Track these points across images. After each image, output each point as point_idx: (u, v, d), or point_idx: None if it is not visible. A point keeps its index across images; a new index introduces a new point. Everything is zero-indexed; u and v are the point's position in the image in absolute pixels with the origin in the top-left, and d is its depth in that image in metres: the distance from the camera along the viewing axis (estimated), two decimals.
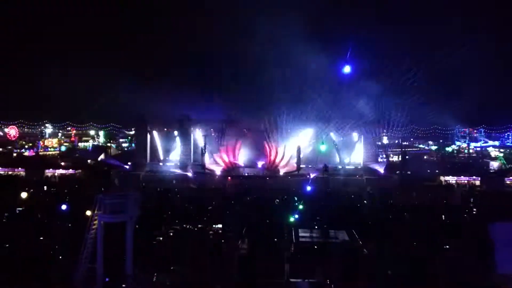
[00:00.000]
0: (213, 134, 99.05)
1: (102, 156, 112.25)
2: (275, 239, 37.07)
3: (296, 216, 42.76)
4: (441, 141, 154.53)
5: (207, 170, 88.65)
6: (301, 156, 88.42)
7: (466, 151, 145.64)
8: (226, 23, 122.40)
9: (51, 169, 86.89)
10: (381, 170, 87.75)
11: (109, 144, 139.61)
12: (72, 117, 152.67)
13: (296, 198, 58.71)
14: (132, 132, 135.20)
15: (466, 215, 47.32)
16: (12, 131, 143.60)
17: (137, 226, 29.86)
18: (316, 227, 41.20)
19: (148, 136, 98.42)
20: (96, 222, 27.17)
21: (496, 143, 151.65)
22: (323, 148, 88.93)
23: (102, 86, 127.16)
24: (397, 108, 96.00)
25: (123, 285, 27.27)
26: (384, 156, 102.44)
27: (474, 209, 51.73)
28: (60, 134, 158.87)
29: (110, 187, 65.53)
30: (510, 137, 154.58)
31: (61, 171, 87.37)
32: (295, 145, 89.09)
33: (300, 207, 50.82)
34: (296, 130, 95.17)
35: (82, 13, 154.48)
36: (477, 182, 79.21)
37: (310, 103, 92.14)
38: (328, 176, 78.44)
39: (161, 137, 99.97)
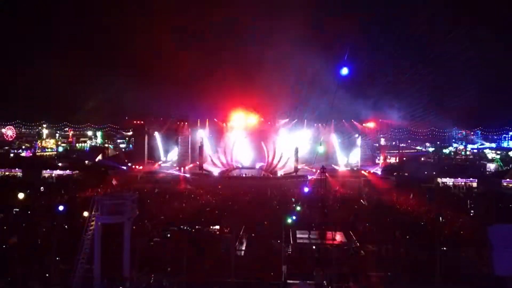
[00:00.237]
0: (211, 135, 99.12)
1: (99, 157, 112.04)
2: (272, 241, 37.09)
3: (294, 217, 42.78)
4: (438, 143, 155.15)
5: (204, 171, 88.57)
6: (299, 157, 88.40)
7: (463, 153, 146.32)
8: (226, 23, 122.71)
9: (48, 170, 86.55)
10: (378, 171, 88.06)
11: (106, 145, 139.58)
12: (70, 118, 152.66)
13: (293, 200, 58.86)
14: (130, 133, 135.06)
15: (463, 217, 47.34)
16: (9, 132, 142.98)
17: (134, 227, 29.90)
18: (313, 228, 41.28)
19: (146, 136, 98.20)
20: (93, 223, 27.08)
21: (493, 145, 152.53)
22: (321, 149, 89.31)
23: (102, 86, 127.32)
24: (394, 109, 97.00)
25: (120, 287, 27.22)
26: (382, 158, 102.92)
27: (472, 211, 51.96)
28: (57, 135, 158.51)
29: (108, 188, 65.39)
30: (506, 139, 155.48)
31: (58, 171, 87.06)
32: (293, 146, 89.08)
33: (298, 208, 50.98)
34: (294, 131, 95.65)
35: (82, 13, 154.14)
36: (474, 184, 79.53)
37: (309, 104, 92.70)
38: (326, 177, 78.23)
39: (160, 138, 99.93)
